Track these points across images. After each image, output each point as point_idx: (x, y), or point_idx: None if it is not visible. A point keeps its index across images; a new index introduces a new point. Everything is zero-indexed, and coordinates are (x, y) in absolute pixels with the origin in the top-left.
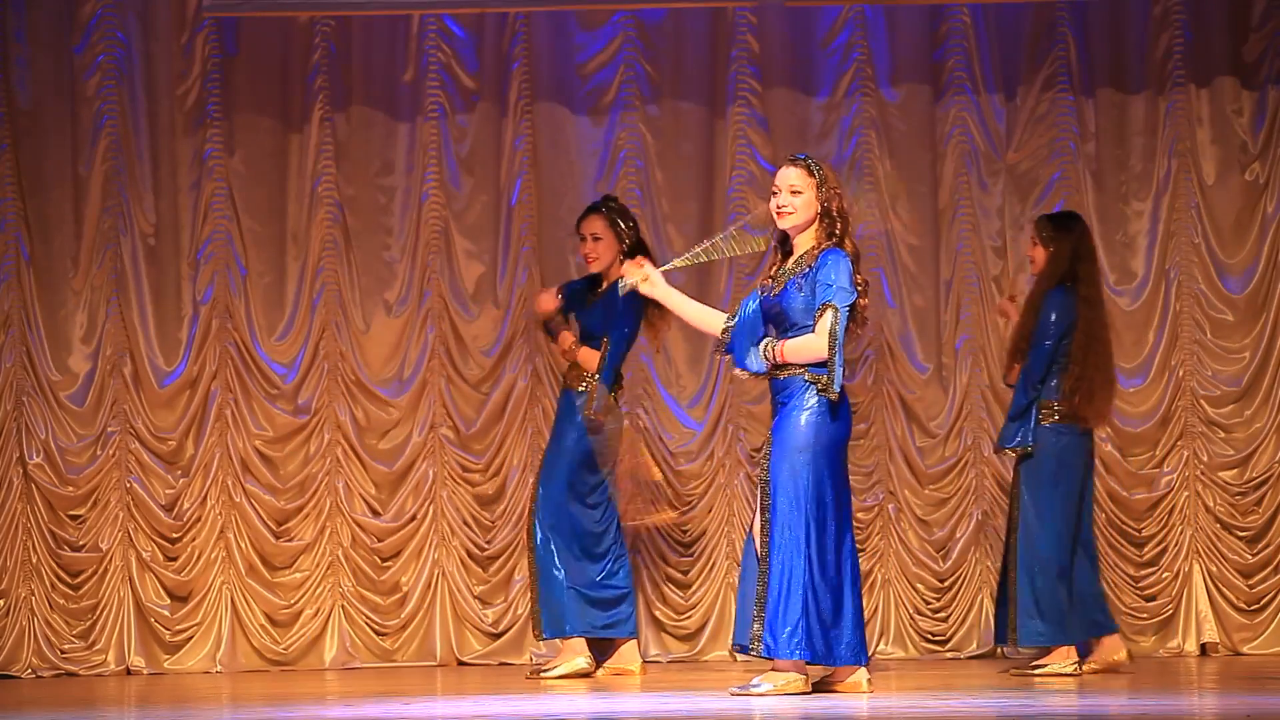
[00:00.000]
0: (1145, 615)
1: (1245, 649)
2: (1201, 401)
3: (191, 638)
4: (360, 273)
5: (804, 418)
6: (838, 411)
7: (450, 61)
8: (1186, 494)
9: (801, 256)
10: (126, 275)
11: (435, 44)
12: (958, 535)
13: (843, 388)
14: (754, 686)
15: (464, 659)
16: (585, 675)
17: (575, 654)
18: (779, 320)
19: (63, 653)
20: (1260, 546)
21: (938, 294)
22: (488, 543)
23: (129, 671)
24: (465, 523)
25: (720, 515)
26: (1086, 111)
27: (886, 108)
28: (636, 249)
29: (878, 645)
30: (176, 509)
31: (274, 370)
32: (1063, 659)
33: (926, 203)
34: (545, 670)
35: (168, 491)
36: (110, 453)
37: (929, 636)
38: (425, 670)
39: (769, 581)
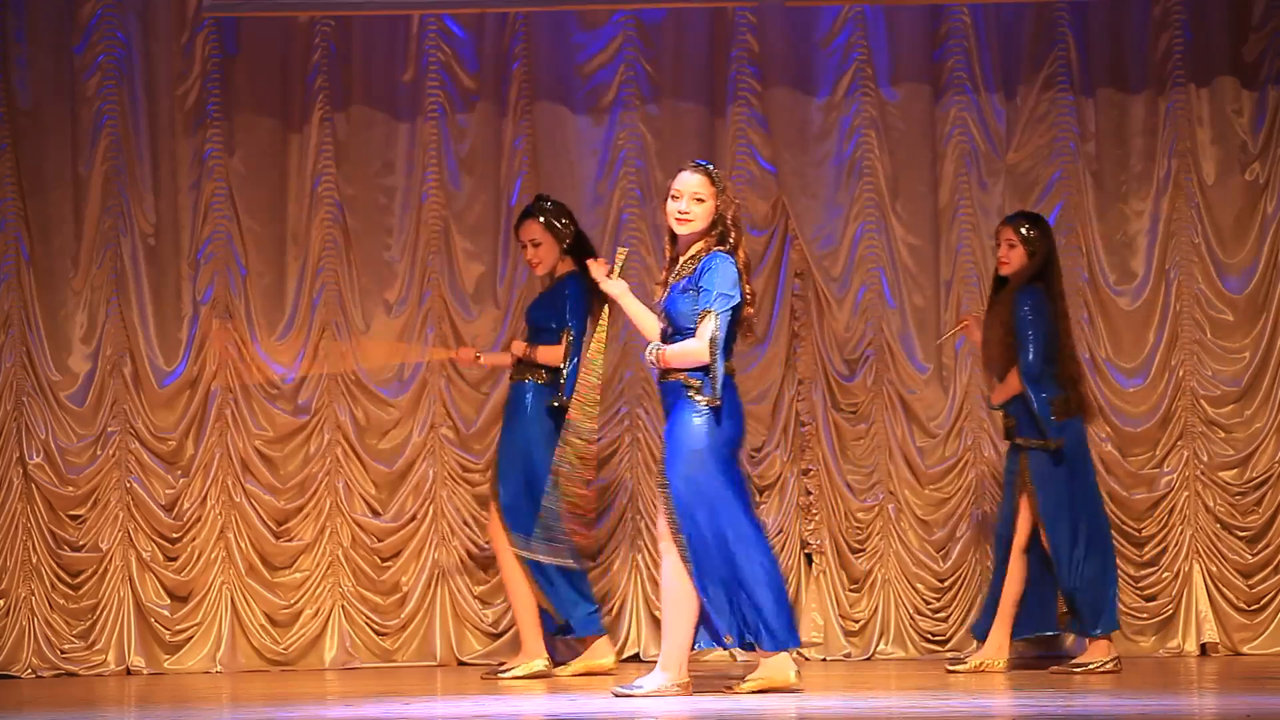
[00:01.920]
0: (1145, 615)
1: (1245, 649)
2: (1201, 401)
3: (191, 638)
4: (360, 273)
5: (694, 420)
6: (728, 412)
7: (450, 61)
8: (1186, 494)
9: (688, 261)
10: (126, 275)
11: (435, 44)
12: (958, 535)
13: (733, 388)
14: (636, 687)
15: (464, 659)
16: (543, 676)
17: (534, 656)
18: (669, 323)
19: (63, 653)
20: (1260, 546)
21: (938, 294)
22: (487, 543)
23: (129, 671)
24: (465, 523)
25: None
26: (1086, 111)
27: (886, 107)
28: (577, 244)
29: (878, 645)
30: (176, 509)
31: (274, 370)
32: (1103, 654)
33: (926, 203)
34: (503, 671)
35: (168, 491)
36: (110, 453)
37: (929, 636)
38: (425, 670)
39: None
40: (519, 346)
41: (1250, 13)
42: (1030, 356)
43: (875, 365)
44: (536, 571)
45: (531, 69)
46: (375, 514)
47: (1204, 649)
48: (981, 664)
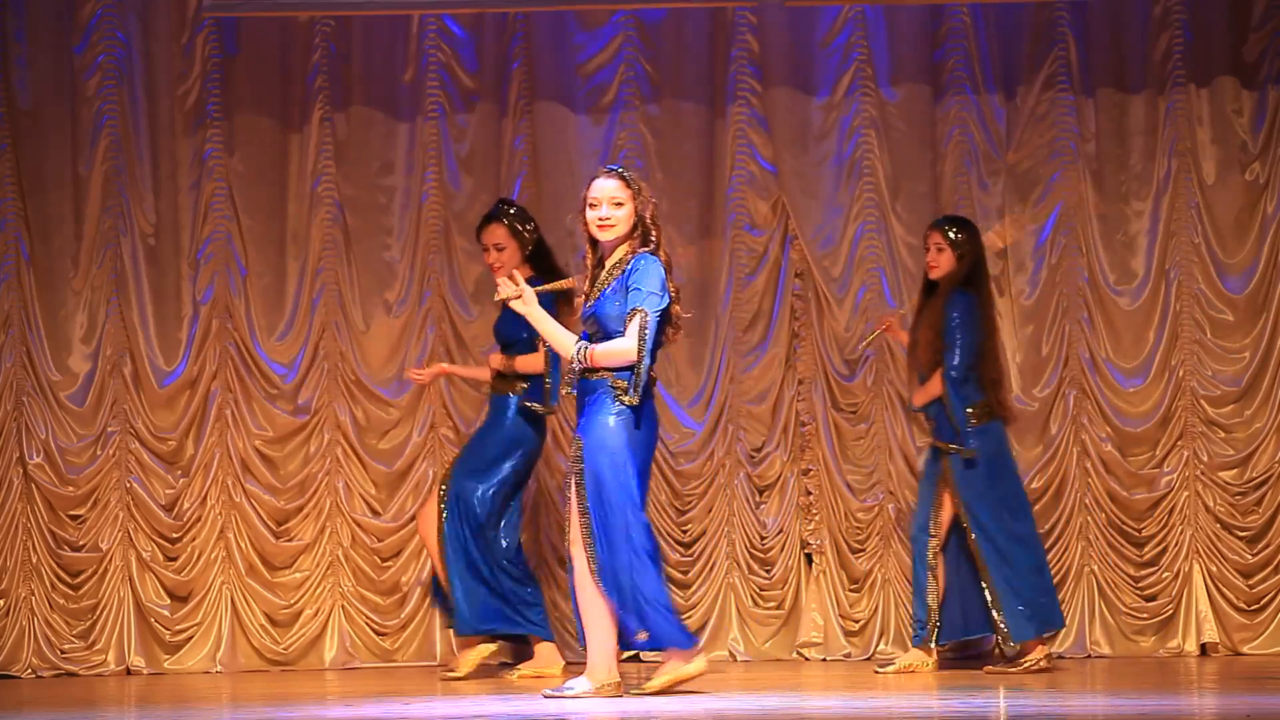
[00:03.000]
0: (1145, 615)
1: (1245, 649)
2: (1201, 401)
3: (191, 638)
4: (360, 273)
5: (611, 420)
6: (646, 415)
7: (450, 61)
8: (1186, 494)
9: (614, 265)
10: (126, 275)
11: (435, 44)
12: None
13: (652, 396)
14: (567, 689)
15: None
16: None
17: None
18: (597, 328)
19: (63, 653)
20: (1260, 546)
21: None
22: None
23: (129, 671)
24: None
25: (720, 515)
26: (1086, 111)
27: (886, 108)
28: (538, 251)
29: (878, 645)
30: (176, 509)
31: (274, 370)
32: (1039, 653)
33: (926, 203)
34: (451, 673)
35: (168, 491)
36: (110, 453)
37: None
38: (425, 670)
39: (603, 580)
40: (497, 359)
41: (1250, 13)
42: (956, 360)
43: (875, 365)
44: (460, 561)
45: (531, 69)
46: (375, 514)
47: (1204, 649)
48: (910, 665)
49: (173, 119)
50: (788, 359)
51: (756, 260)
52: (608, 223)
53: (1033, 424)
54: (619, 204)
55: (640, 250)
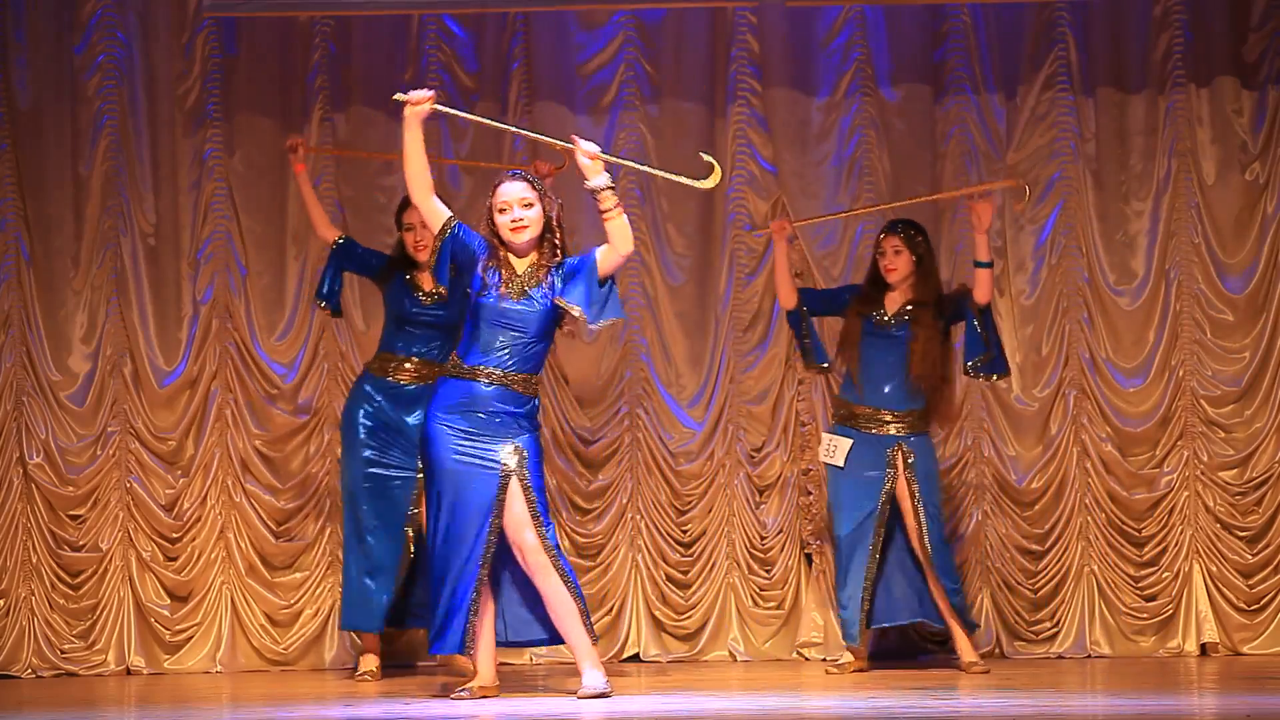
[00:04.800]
0: (1145, 615)
1: (1245, 649)
2: (1201, 401)
3: (191, 638)
4: None
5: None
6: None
7: (450, 61)
8: (1186, 494)
9: (534, 271)
10: (126, 275)
11: (435, 44)
12: (958, 534)
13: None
14: (601, 687)
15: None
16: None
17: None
18: (523, 333)
19: (63, 653)
20: (1260, 546)
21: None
22: None
23: (129, 671)
24: None
25: (720, 515)
26: (1086, 111)
27: (886, 108)
28: None
29: (878, 645)
30: (176, 509)
31: (274, 370)
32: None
33: (926, 203)
34: (361, 674)
35: (168, 491)
36: (110, 453)
37: (930, 636)
38: (425, 670)
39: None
40: None
41: (1250, 13)
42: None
43: None
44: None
45: (531, 69)
46: None
47: (1204, 649)
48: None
49: (173, 119)
50: (788, 359)
51: (756, 260)
52: (521, 224)
53: (1033, 424)
54: (529, 205)
55: (555, 258)
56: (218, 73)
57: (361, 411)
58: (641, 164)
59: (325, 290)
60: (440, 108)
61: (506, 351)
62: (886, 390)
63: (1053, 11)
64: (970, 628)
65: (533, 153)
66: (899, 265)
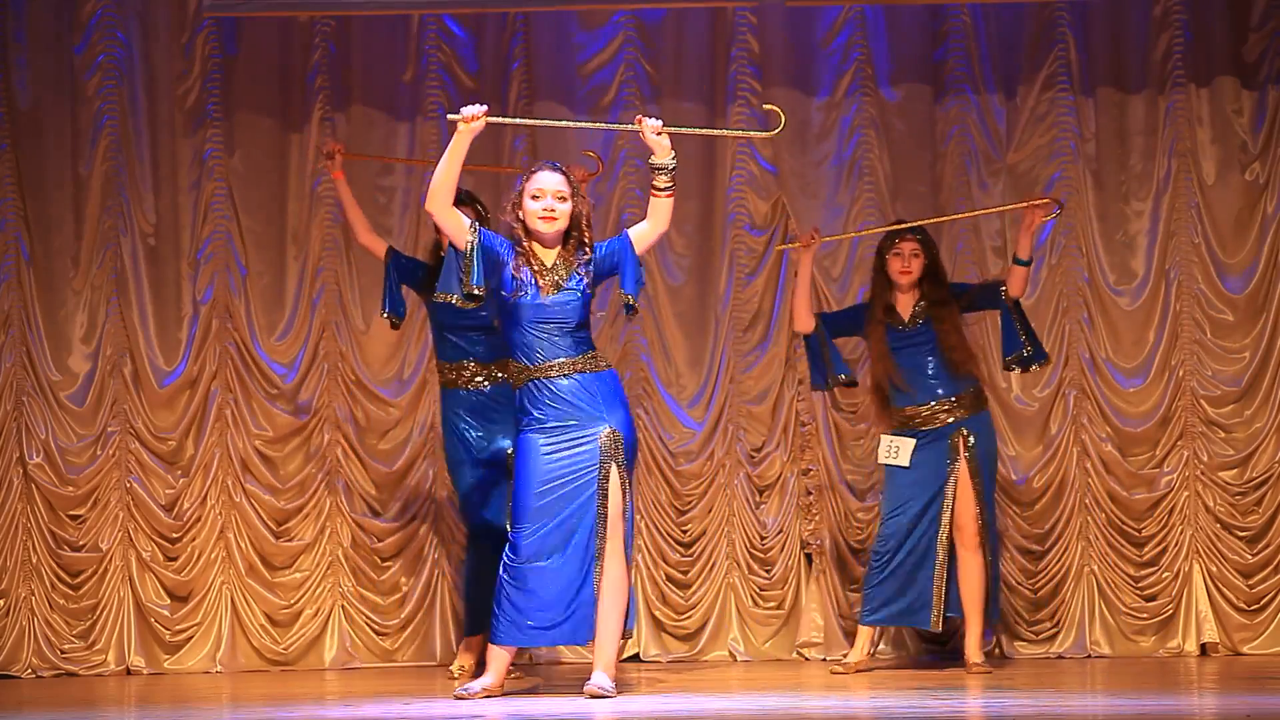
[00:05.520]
0: (1145, 615)
1: (1245, 649)
2: (1201, 401)
3: (191, 638)
4: (360, 273)
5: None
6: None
7: (450, 61)
8: (1186, 494)
9: (564, 261)
10: (126, 275)
11: (435, 44)
12: None
13: None
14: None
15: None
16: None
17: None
18: (557, 323)
19: (63, 653)
20: (1260, 546)
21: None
22: None
23: (129, 671)
24: None
25: (720, 515)
26: (1086, 111)
27: (886, 108)
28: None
29: (878, 645)
30: (176, 509)
31: (274, 370)
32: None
33: (926, 203)
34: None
35: (168, 491)
36: (110, 453)
37: (929, 637)
38: (425, 670)
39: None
40: None
41: (1250, 13)
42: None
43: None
44: None
45: (531, 69)
46: (375, 514)
47: (1204, 649)
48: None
49: (173, 119)
50: (787, 359)
51: (756, 260)
52: (552, 214)
53: (1033, 424)
54: (563, 197)
55: (582, 251)
56: (218, 73)
57: (461, 425)
58: (706, 129)
59: (391, 303)
60: (494, 120)
61: (556, 343)
62: (935, 384)
63: (1053, 11)
64: (993, 618)
65: (532, 150)
66: (914, 268)
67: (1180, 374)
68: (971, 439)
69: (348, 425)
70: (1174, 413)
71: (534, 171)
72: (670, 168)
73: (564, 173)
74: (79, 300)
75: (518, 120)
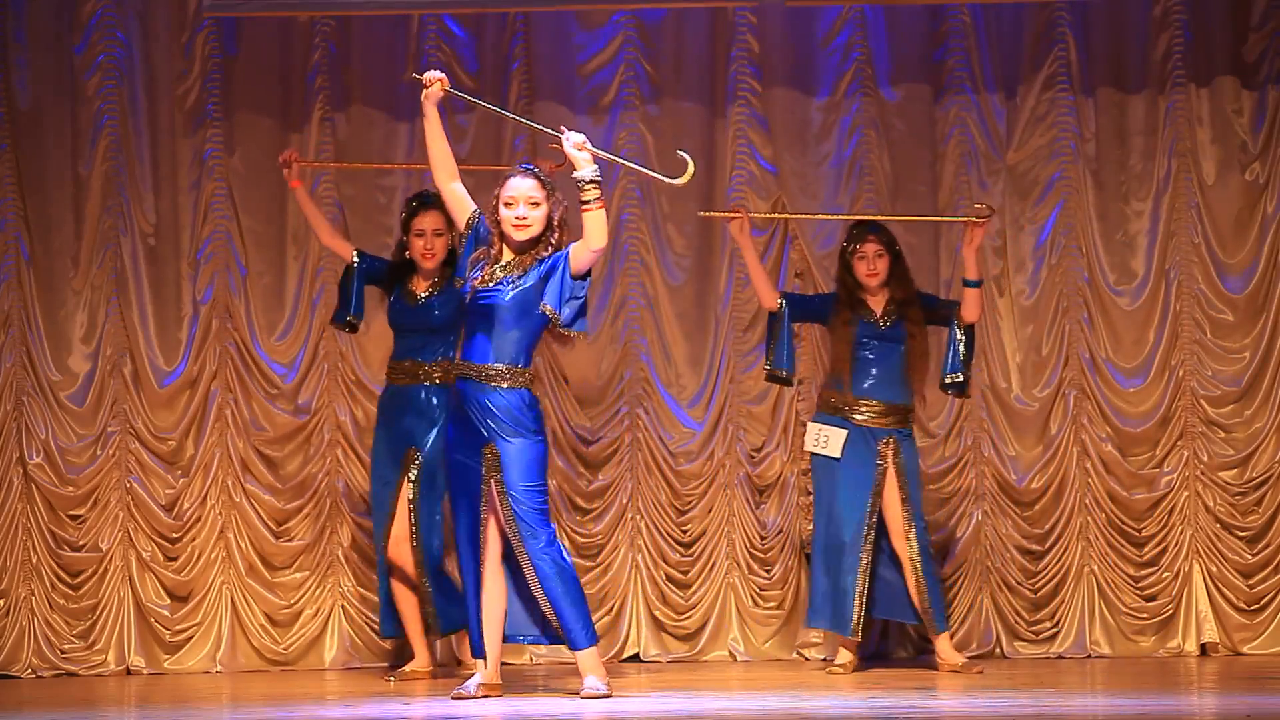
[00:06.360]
0: (1145, 615)
1: (1245, 649)
2: (1201, 401)
3: (191, 638)
4: None
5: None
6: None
7: (450, 61)
8: (1186, 494)
9: (519, 260)
10: (126, 275)
11: (435, 44)
12: (958, 535)
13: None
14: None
15: (464, 659)
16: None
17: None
18: (499, 322)
19: (63, 653)
20: (1260, 546)
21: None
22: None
23: (129, 671)
24: None
25: (720, 515)
26: (1086, 111)
27: (886, 108)
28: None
29: (878, 645)
30: (176, 509)
31: (274, 370)
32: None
33: (926, 203)
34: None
35: (168, 491)
36: (110, 453)
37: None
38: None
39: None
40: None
41: (1250, 13)
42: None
43: None
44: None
45: (531, 69)
46: None
47: (1204, 649)
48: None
49: (173, 119)
50: None
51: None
52: (524, 223)
53: (1033, 424)
54: (535, 204)
55: (548, 251)
56: (218, 73)
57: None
58: (619, 157)
59: (355, 309)
60: (451, 91)
61: (484, 341)
62: (881, 385)
63: (1053, 11)
64: (939, 628)
65: (532, 150)
66: (880, 268)
67: (1180, 374)
68: (900, 454)
69: (348, 425)
70: (1174, 413)
71: (508, 177)
72: (588, 179)
73: (537, 176)
74: (79, 300)
75: (466, 96)
